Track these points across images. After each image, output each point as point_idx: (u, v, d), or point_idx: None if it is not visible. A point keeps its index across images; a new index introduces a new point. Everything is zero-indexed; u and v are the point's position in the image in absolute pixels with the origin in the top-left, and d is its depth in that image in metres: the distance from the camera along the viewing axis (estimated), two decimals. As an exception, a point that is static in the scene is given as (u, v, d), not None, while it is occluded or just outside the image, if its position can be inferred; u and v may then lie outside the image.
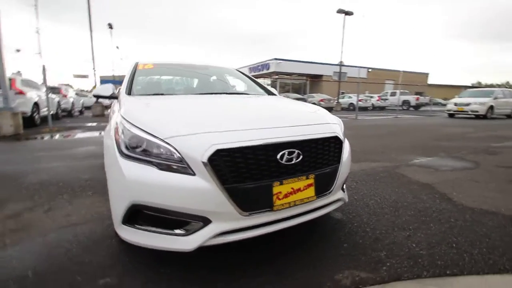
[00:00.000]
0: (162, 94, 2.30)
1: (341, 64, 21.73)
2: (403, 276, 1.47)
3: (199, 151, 1.31)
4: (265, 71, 31.79)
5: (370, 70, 34.39)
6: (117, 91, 3.07)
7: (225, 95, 2.45)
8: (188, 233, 1.35)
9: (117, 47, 33.35)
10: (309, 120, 1.74)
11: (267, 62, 31.39)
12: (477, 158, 4.29)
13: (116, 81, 30.16)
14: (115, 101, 3.13)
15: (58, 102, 11.08)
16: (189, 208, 1.33)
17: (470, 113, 13.39)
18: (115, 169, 1.43)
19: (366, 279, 1.45)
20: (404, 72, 37.79)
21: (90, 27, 14.27)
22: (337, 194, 1.77)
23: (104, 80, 30.91)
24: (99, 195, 2.71)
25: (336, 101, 21.44)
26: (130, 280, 1.46)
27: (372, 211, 2.29)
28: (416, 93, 25.75)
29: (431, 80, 42.59)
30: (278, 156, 1.43)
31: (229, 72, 3.27)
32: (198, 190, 1.30)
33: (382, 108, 23.89)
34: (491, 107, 13.17)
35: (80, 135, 7.30)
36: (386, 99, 24.13)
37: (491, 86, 68.46)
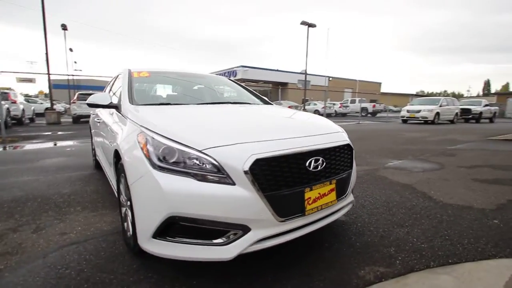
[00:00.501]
0: (169, 104, 2.26)
1: (305, 73, 22.77)
2: (415, 268, 1.65)
3: (239, 161, 1.35)
4: (232, 78, 31.92)
5: (330, 79, 36.50)
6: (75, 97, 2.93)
7: (232, 104, 2.48)
8: (228, 241, 1.37)
9: (71, 50, 30.76)
10: (324, 129, 1.87)
11: (234, 69, 31.65)
12: (440, 159, 4.85)
13: (72, 86, 27.78)
14: (100, 110, 2.98)
15: (8, 109, 9.91)
16: (230, 217, 1.35)
17: (420, 119, 14.96)
18: (147, 182, 1.40)
19: (386, 273, 1.59)
20: (360, 81, 40.91)
21: (44, 28, 13.05)
22: (350, 197, 1.92)
23: (56, 85, 28.25)
24: (90, 210, 2.53)
25: (302, 108, 22.32)
26: (162, 295, 1.42)
27: (370, 212, 2.49)
28: (371, 101, 27.97)
29: (383, 89, 46.57)
30: (307, 164, 1.52)
31: (223, 81, 3.31)
32: (239, 199, 1.34)
33: (343, 115, 25.45)
34: (438, 114, 14.87)
35: (40, 145, 6.62)
36: (347, 106, 25.79)
37: (432, 94, 76.98)
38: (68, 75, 27.70)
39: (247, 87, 3.26)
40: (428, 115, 14.67)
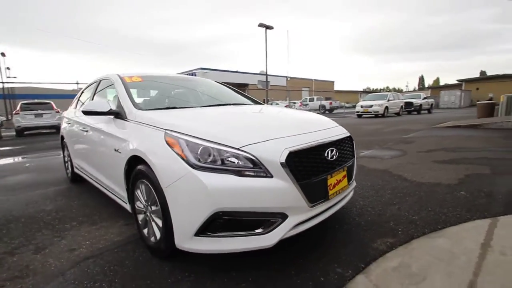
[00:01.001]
0: (175, 108, 2.26)
1: (266, 74, 23.35)
2: (415, 235, 1.94)
3: (275, 155, 1.48)
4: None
5: (289, 78, 37.91)
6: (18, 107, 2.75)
7: (233, 105, 2.57)
8: (268, 230, 1.48)
9: (3, 54, 27.05)
10: (330, 124, 2.08)
11: (194, 71, 31.06)
12: (401, 147, 5.49)
13: (8, 95, 24.44)
14: (83, 119, 2.81)
15: None
16: (270, 207, 1.47)
17: (372, 113, 16.43)
18: (188, 182, 1.44)
19: (394, 243, 1.85)
20: (316, 80, 43.25)
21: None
22: (354, 183, 2.16)
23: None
24: (89, 224, 2.41)
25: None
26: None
27: (362, 195, 2.79)
28: (326, 99, 29.80)
29: (336, 87, 49.82)
30: (326, 154, 1.71)
31: (210, 83, 3.36)
32: (278, 190, 1.46)
33: (303, 113, 26.67)
34: (387, 108, 16.49)
35: (-12, 163, 5.83)
36: (307, 104, 27.08)
37: (377, 90, 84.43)
38: (14, 82, 24.22)
39: (232, 87, 3.36)
40: (379, 109, 16.18)
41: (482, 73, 76.52)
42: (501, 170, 3.44)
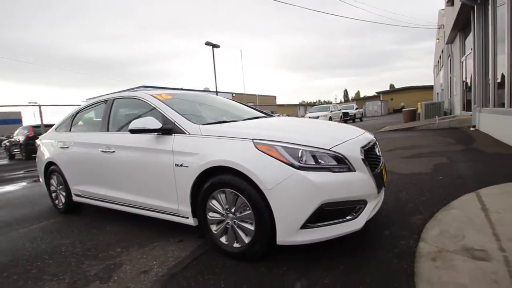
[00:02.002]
0: (225, 122, 2.40)
1: (216, 91, 23.62)
2: (434, 210, 2.47)
3: (356, 153, 1.82)
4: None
5: (234, 94, 38.87)
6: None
7: (267, 117, 2.82)
8: (356, 215, 1.78)
9: None
10: (360, 129, 2.53)
11: (135, 89, 29.35)
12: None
13: None
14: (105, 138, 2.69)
15: None
16: (357, 196, 1.78)
17: (319, 123, 18.21)
18: (294, 181, 1.65)
19: (423, 218, 2.33)
20: (259, 95, 45.35)
21: None
22: (381, 175, 2.63)
23: None
24: (136, 247, 2.31)
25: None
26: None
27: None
28: (272, 112, 31.52)
29: (278, 101, 52.99)
30: (376, 151, 2.13)
31: (226, 99, 3.55)
32: (361, 181, 1.79)
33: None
34: (330, 118, 18.48)
35: None
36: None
37: (311, 104, 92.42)
38: None
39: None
40: (325, 119, 18.08)
41: (391, 86, 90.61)
42: (455, 159, 4.42)
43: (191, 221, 2.17)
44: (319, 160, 1.73)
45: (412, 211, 2.51)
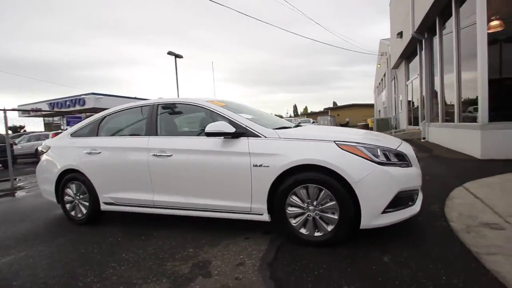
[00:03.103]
0: (285, 127, 2.68)
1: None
2: (442, 198, 3.10)
3: (411, 151, 2.30)
4: (78, 107, 26.73)
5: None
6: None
7: (307, 125, 3.16)
8: (413, 202, 2.24)
9: None
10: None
11: (82, 97, 26.76)
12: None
13: None
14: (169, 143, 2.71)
15: None
16: (415, 186, 2.24)
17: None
18: (377, 174, 2.03)
19: (438, 206, 2.93)
20: (216, 107, 45.55)
21: None
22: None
23: None
24: (211, 245, 2.38)
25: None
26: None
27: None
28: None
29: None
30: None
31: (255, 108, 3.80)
32: (417, 174, 2.27)
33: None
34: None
35: None
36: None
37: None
38: None
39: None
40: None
41: (334, 103, 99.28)
42: (427, 163, 5.34)
43: (265, 217, 2.36)
44: (389, 158, 2.15)
45: (427, 202, 3.10)
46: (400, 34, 10.47)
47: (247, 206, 2.41)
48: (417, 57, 9.98)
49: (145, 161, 2.76)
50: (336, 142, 2.18)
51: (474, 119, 5.49)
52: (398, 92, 13.96)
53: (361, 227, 2.09)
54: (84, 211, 3.16)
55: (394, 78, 14.68)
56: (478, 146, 5.06)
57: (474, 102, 5.72)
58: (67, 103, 27.92)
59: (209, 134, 2.41)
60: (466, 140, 5.68)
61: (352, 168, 2.07)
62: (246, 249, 2.27)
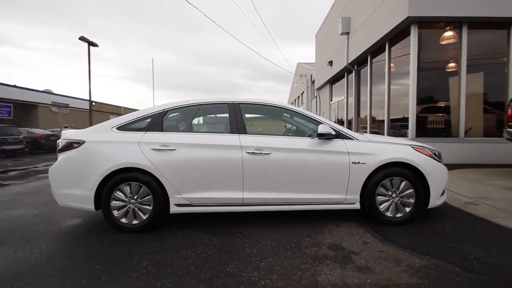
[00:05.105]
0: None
1: (90, 99, 19.57)
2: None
3: (438, 152, 3.32)
4: None
5: (94, 103, 32.68)
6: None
7: None
8: (444, 192, 3.23)
9: None
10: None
11: None
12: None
13: None
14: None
15: None
16: (447, 179, 3.26)
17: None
18: (438, 168, 2.93)
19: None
20: (125, 108, 40.60)
21: None
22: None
23: None
24: (312, 240, 2.68)
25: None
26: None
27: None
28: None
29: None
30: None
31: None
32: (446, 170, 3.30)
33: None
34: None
35: None
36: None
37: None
38: None
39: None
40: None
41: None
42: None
43: (357, 206, 2.89)
44: (440, 157, 3.08)
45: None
46: (331, 63, 12.77)
47: (342, 198, 2.86)
48: (342, 81, 12.44)
49: (238, 158, 2.79)
50: (411, 145, 2.96)
51: (403, 135, 7.49)
52: (321, 109, 16.63)
53: (428, 207, 2.91)
54: (144, 216, 2.79)
55: (317, 97, 17.41)
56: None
57: (398, 120, 7.83)
58: None
59: (321, 135, 2.76)
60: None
61: (425, 164, 2.88)
62: (351, 232, 2.71)
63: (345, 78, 11.93)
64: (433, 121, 7.31)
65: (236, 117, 2.96)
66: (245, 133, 2.91)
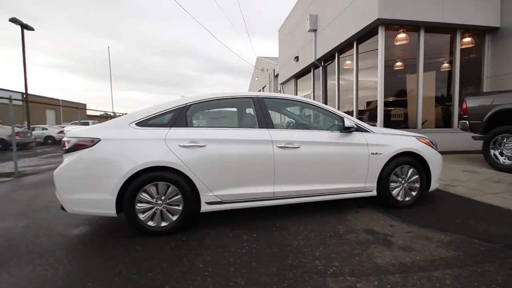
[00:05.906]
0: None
1: (25, 91, 16.86)
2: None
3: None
4: None
5: (24, 95, 28.12)
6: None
7: None
8: (435, 174, 3.74)
9: None
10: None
11: None
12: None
13: None
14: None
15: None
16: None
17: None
18: (437, 157, 3.34)
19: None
20: (63, 101, 36.04)
21: None
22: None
23: None
24: (345, 228, 2.87)
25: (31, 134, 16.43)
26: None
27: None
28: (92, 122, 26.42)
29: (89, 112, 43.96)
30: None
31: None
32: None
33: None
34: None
35: None
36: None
37: (116, 115, 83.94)
38: None
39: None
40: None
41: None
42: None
43: (374, 193, 3.16)
44: (436, 146, 3.53)
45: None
46: (297, 58, 13.21)
47: (362, 186, 3.10)
48: (307, 76, 13.03)
49: (270, 153, 2.80)
50: (415, 136, 3.33)
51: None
52: (284, 102, 17.15)
53: (429, 190, 3.33)
54: (173, 217, 2.64)
55: (280, 90, 17.85)
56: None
57: (365, 111, 8.60)
58: None
59: (347, 129, 2.92)
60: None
61: (427, 152, 3.29)
62: (373, 217, 2.97)
63: (312, 73, 12.50)
64: (395, 114, 8.21)
65: (263, 111, 2.96)
66: (273, 127, 2.93)
